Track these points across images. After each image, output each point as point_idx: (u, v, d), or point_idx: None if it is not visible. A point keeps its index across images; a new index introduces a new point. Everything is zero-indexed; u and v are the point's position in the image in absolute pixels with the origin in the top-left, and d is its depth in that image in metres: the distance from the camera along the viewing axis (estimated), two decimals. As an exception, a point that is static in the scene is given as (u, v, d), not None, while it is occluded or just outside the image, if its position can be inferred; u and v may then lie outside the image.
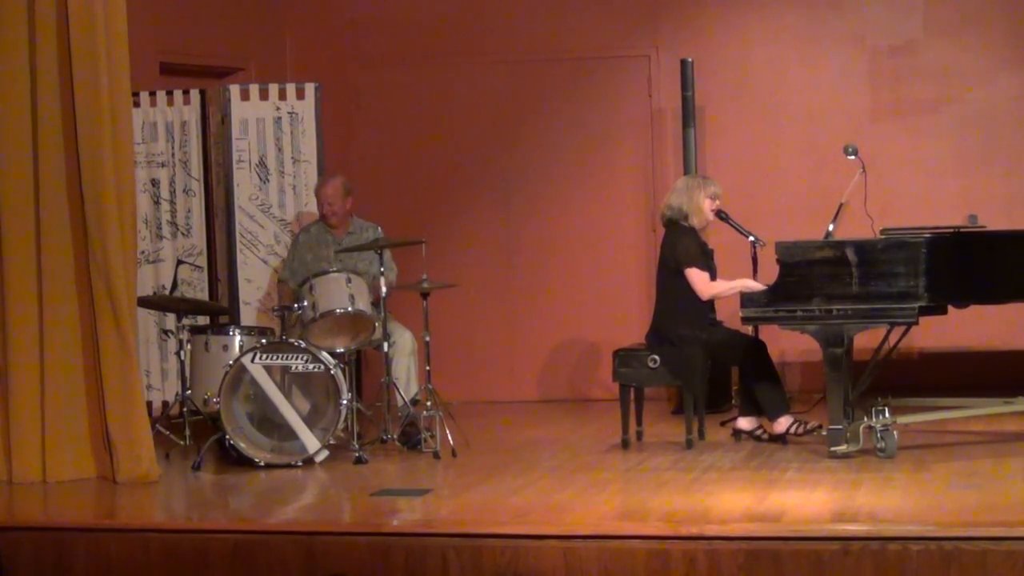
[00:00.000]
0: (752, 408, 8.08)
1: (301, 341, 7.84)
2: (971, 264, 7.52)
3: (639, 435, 8.27)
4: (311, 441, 7.75)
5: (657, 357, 7.97)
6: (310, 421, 7.80)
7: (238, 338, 8.19)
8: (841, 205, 8.01)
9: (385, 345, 8.06)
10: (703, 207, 8.07)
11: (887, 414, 7.36)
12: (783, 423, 7.92)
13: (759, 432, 8.06)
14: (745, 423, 8.13)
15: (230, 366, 7.78)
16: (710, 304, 8.07)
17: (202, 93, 9.52)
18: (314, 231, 8.79)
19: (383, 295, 8.05)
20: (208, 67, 10.50)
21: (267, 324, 8.83)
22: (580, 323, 10.68)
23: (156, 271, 9.51)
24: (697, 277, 7.98)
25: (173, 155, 9.51)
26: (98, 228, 7.36)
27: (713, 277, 8.07)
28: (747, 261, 8.25)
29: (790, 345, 9.75)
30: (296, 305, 8.04)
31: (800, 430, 7.90)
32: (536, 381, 10.75)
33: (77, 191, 7.43)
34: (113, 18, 7.44)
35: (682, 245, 8.05)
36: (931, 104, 10.26)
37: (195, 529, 6.31)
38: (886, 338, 8.01)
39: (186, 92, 9.52)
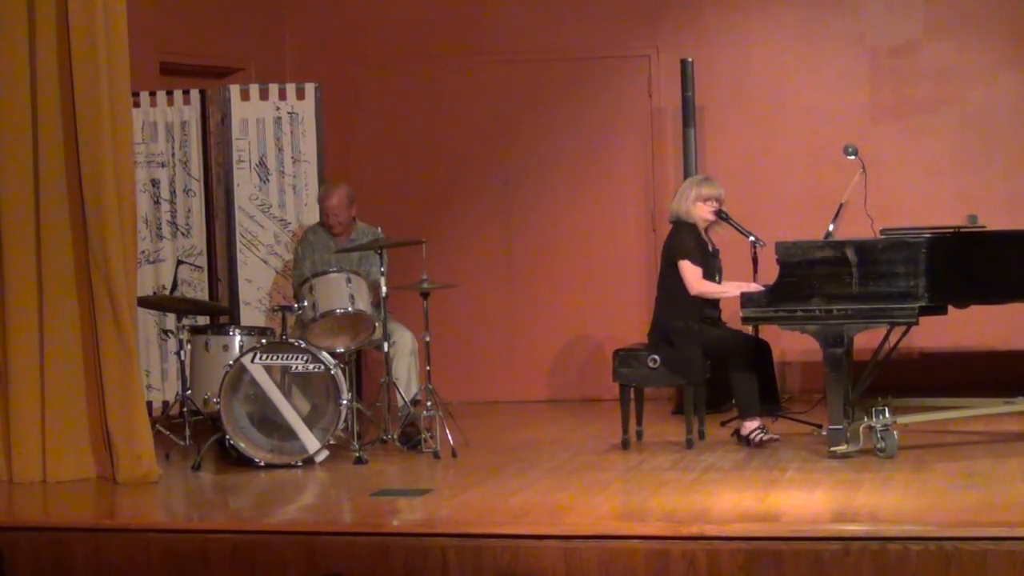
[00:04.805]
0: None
1: (301, 341, 7.84)
2: (971, 264, 7.52)
3: (639, 435, 8.27)
4: (311, 441, 7.75)
5: (657, 357, 7.98)
6: (310, 421, 7.80)
7: (238, 338, 8.19)
8: (841, 205, 8.01)
9: (385, 345, 8.06)
10: (693, 210, 8.09)
11: (887, 414, 7.36)
12: (748, 425, 7.90)
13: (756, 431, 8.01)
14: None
15: (230, 366, 7.78)
16: (711, 301, 8.07)
17: (202, 93, 9.52)
18: (320, 233, 8.76)
19: (383, 295, 8.05)
20: (208, 67, 10.50)
21: (271, 324, 8.82)
22: (580, 323, 10.68)
23: (156, 271, 9.51)
24: (688, 270, 8.00)
25: (173, 155, 9.52)
26: (98, 228, 7.36)
27: (715, 276, 8.09)
28: (747, 261, 8.24)
29: (790, 345, 9.75)
30: (296, 305, 8.05)
31: (760, 438, 7.83)
32: (536, 381, 10.74)
33: (77, 191, 7.43)
34: (113, 18, 7.44)
35: (678, 239, 8.10)
36: (931, 104, 10.26)
37: (195, 529, 6.32)
38: (886, 338, 8.01)
39: (186, 92, 9.53)
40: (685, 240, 8.07)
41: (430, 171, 10.86)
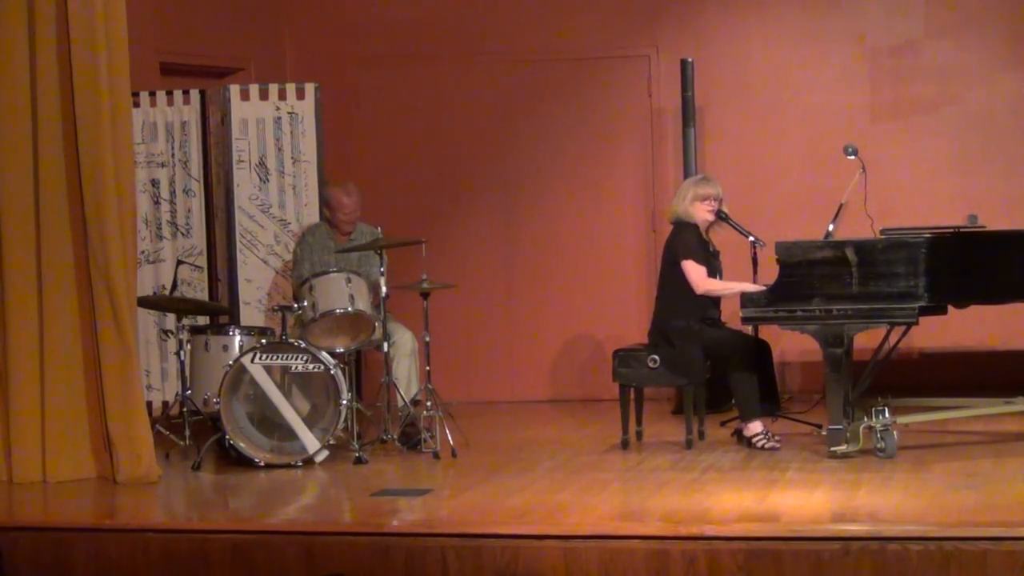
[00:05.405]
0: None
1: (301, 341, 7.84)
2: (971, 264, 7.52)
3: (639, 435, 8.27)
4: (311, 441, 7.75)
5: (657, 357, 7.98)
6: (310, 421, 7.80)
7: (238, 338, 8.19)
8: (841, 205, 8.01)
9: (385, 345, 8.06)
10: (691, 210, 8.10)
11: (887, 414, 7.36)
12: (751, 428, 7.90)
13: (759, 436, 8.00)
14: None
15: (230, 366, 7.78)
16: (713, 302, 8.07)
17: (202, 93, 9.52)
18: (319, 234, 8.77)
19: (383, 295, 8.06)
20: (208, 67, 10.50)
21: (271, 324, 8.82)
22: (580, 323, 10.68)
23: (156, 271, 9.51)
24: (692, 269, 8.00)
25: (173, 155, 9.52)
26: (98, 228, 7.36)
27: (716, 277, 8.09)
28: (747, 261, 8.24)
29: (790, 345, 9.75)
30: (296, 305, 8.05)
31: (763, 445, 7.81)
32: (536, 381, 10.74)
33: (77, 191, 7.43)
34: (113, 18, 7.44)
35: (681, 239, 8.10)
36: (931, 104, 10.26)
37: (195, 529, 6.32)
38: (886, 338, 8.01)
39: (186, 92, 9.52)
40: (688, 239, 8.06)
41: (430, 171, 10.86)
